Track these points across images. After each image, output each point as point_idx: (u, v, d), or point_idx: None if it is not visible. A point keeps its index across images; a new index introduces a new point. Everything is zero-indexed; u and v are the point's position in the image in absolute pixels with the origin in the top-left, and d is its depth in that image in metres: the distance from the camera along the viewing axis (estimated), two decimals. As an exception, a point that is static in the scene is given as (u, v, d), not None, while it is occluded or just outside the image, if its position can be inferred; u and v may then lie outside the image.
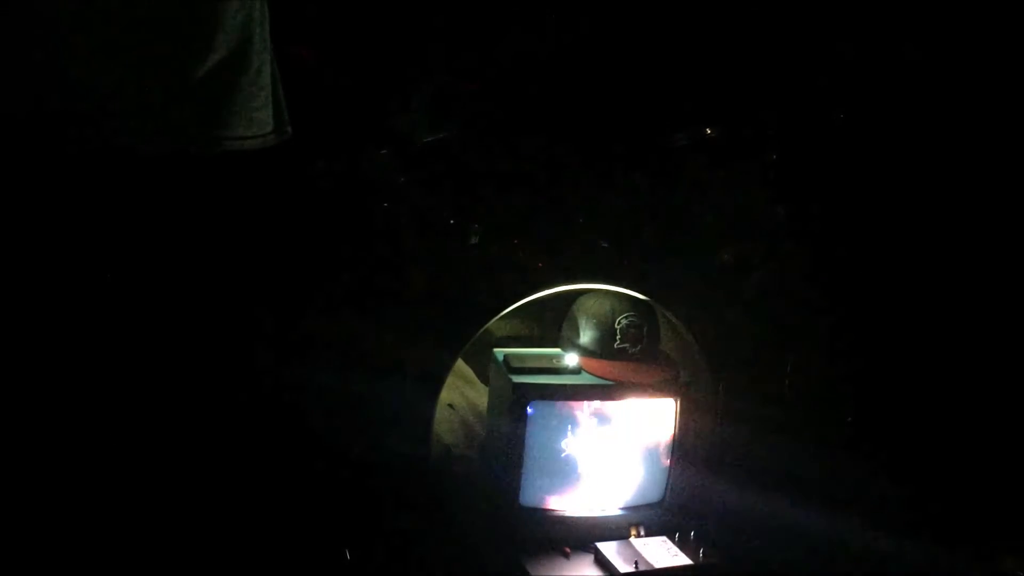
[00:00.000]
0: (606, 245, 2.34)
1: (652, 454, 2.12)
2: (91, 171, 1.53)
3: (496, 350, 2.15)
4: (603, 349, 2.12)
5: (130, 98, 1.47)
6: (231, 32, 1.55)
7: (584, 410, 2.05)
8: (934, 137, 2.32)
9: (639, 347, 2.13)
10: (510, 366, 2.06)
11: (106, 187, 1.57)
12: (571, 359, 2.12)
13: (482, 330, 2.06)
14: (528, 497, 2.04)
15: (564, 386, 2.05)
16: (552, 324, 2.27)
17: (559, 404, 2.03)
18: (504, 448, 2.02)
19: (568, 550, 2.02)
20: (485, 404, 2.25)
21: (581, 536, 2.06)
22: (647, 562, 1.99)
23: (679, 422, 2.12)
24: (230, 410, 1.89)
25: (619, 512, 2.11)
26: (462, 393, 2.30)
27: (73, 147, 1.48)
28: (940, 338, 2.36)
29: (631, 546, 2.05)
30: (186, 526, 1.84)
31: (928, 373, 2.36)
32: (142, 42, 1.47)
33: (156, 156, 1.55)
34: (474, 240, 2.29)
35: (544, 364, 2.09)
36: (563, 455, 2.05)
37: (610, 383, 2.07)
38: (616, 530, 2.09)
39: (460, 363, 2.25)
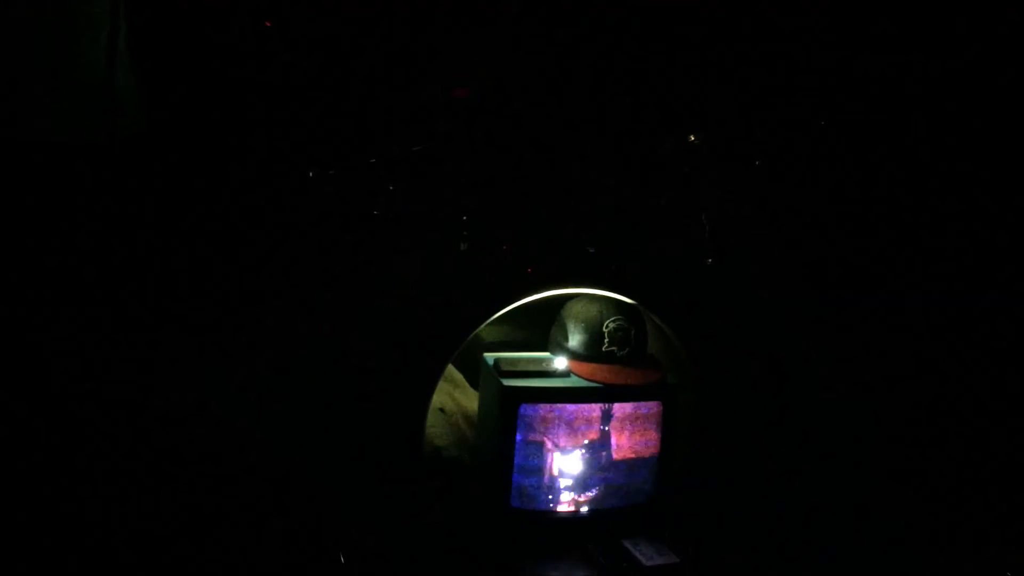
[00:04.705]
0: (593, 250, 2.36)
1: (641, 455, 2.15)
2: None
3: (486, 354, 2.18)
4: (591, 352, 2.15)
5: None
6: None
7: (573, 412, 2.07)
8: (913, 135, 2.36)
9: (626, 350, 2.15)
10: (500, 370, 2.09)
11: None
12: (560, 363, 2.14)
13: (472, 335, 2.09)
14: (519, 499, 2.06)
15: (553, 389, 2.08)
16: (541, 329, 2.30)
17: (548, 407, 2.05)
18: (495, 451, 2.04)
19: (559, 551, 2.05)
20: (475, 408, 2.27)
21: (572, 537, 2.09)
22: (638, 561, 2.01)
23: (667, 423, 2.15)
24: (226, 411, 1.92)
25: (609, 513, 2.14)
26: (452, 397, 2.32)
27: None
28: (935, 337, 2.39)
29: (622, 546, 2.08)
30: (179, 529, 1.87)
31: (918, 371, 2.39)
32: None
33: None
34: (463, 246, 2.31)
35: (533, 368, 2.12)
36: (553, 457, 2.08)
37: (598, 386, 2.10)
38: (607, 530, 2.12)
39: (450, 368, 2.27)
